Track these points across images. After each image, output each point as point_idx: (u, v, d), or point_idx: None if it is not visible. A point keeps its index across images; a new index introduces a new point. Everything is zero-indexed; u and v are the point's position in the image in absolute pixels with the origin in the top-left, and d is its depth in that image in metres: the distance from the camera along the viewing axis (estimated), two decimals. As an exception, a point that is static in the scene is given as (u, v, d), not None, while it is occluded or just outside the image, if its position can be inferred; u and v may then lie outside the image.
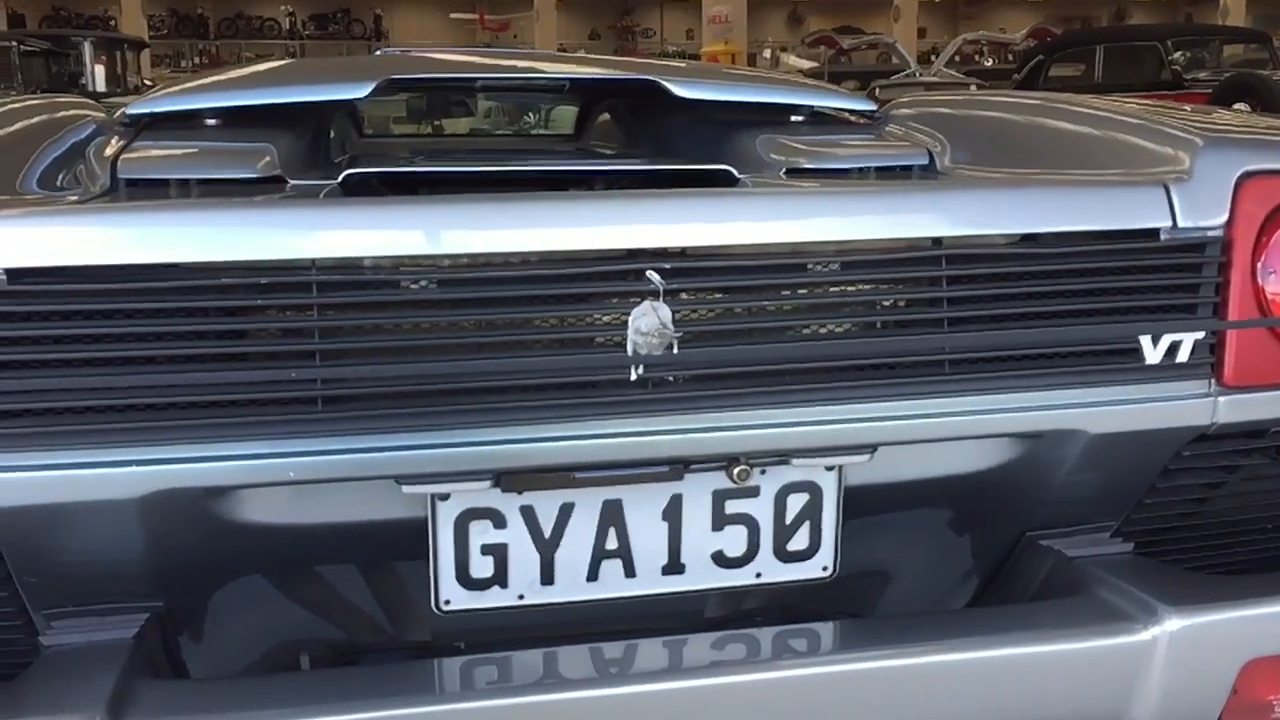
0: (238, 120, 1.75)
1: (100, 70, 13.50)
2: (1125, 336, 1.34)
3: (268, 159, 1.53)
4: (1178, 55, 10.34)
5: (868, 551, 1.51)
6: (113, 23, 22.62)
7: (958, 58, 13.64)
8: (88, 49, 13.59)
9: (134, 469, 1.15)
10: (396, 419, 1.20)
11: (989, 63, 17.78)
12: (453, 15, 25.41)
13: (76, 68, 13.47)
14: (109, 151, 1.57)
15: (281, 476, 1.19)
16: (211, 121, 1.77)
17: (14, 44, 12.48)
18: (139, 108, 1.79)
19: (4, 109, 1.76)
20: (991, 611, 1.50)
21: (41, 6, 24.46)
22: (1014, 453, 1.40)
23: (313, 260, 1.18)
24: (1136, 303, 1.35)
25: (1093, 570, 1.44)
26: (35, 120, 1.77)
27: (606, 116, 2.63)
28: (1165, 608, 1.33)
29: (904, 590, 1.60)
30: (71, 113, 1.83)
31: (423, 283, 1.22)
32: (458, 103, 4.52)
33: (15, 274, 1.13)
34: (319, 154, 1.93)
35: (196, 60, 25.88)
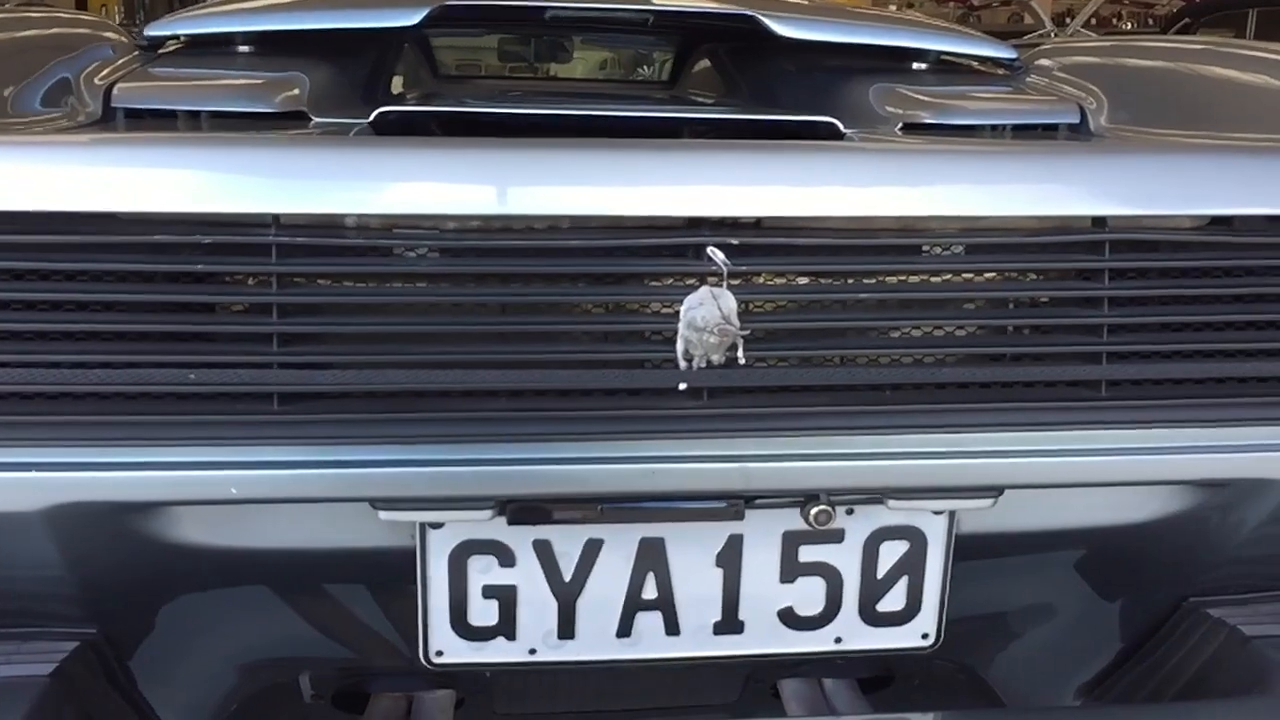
0: (274, 48, 1.50)
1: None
2: None
3: (294, 92, 1.28)
4: (1342, 20, 9.55)
5: (976, 603, 1.21)
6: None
7: (1094, 20, 12.88)
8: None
9: (32, 474, 0.91)
10: (374, 426, 0.95)
11: (1128, 26, 16.86)
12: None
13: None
14: (103, 76, 1.33)
15: (220, 493, 0.94)
16: (244, 48, 1.52)
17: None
18: (158, 28, 1.55)
19: (10, 16, 1.54)
20: (1160, 711, 1.18)
21: (171, -52, 25.05)
22: (1185, 503, 1.10)
23: (275, 216, 0.93)
24: None
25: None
26: (42, 33, 1.55)
27: (706, 63, 2.33)
28: None
29: (1021, 654, 1.29)
30: (87, 31, 1.60)
31: (416, 251, 0.96)
32: (555, 45, 4.25)
33: None
34: (375, 92, 1.68)
35: None
